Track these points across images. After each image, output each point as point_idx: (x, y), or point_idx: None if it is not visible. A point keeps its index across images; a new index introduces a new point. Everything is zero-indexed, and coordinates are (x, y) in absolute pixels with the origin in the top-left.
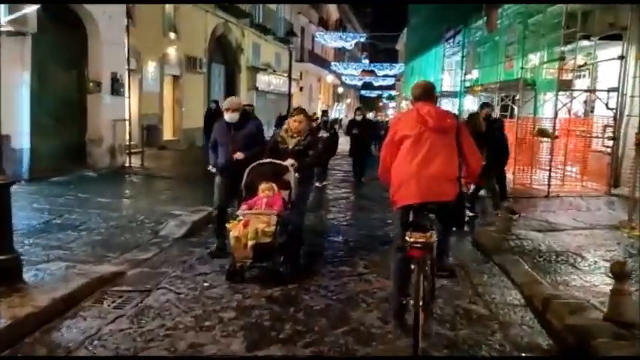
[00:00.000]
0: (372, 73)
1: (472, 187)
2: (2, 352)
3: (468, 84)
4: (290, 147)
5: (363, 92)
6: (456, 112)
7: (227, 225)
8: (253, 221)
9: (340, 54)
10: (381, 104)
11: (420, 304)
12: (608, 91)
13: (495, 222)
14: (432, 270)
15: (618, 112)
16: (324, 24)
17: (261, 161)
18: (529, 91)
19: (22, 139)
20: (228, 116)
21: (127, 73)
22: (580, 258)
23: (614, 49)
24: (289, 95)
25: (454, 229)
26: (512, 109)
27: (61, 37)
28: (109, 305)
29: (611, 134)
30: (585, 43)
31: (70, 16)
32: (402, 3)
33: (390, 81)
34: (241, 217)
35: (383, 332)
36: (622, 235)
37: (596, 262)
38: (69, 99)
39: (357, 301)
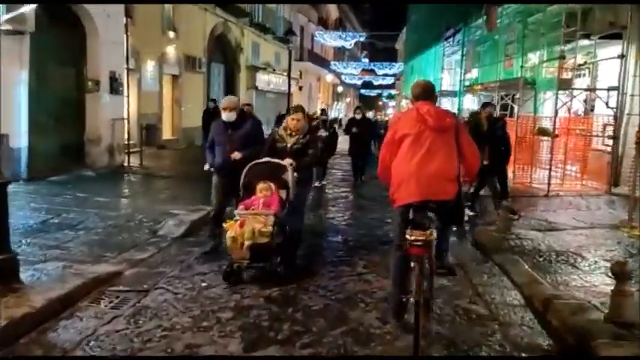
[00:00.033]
0: (371, 72)
1: (473, 186)
2: None
3: (467, 83)
4: (288, 145)
5: (362, 91)
6: (456, 111)
7: (224, 225)
8: (250, 221)
9: (340, 53)
10: (380, 103)
11: (421, 301)
12: (609, 89)
13: (495, 221)
14: (432, 268)
15: (618, 111)
16: (323, 23)
17: (258, 160)
18: (529, 89)
19: (20, 139)
20: (225, 115)
21: (125, 72)
22: (580, 258)
23: (614, 48)
24: (289, 94)
25: (454, 228)
26: (512, 107)
27: (60, 36)
28: (105, 305)
29: (611, 133)
30: (585, 42)
31: (68, 14)
32: (402, 3)
33: (389, 80)
34: (238, 217)
35: (382, 332)
36: (622, 234)
37: (596, 261)
38: (67, 98)
39: (356, 301)
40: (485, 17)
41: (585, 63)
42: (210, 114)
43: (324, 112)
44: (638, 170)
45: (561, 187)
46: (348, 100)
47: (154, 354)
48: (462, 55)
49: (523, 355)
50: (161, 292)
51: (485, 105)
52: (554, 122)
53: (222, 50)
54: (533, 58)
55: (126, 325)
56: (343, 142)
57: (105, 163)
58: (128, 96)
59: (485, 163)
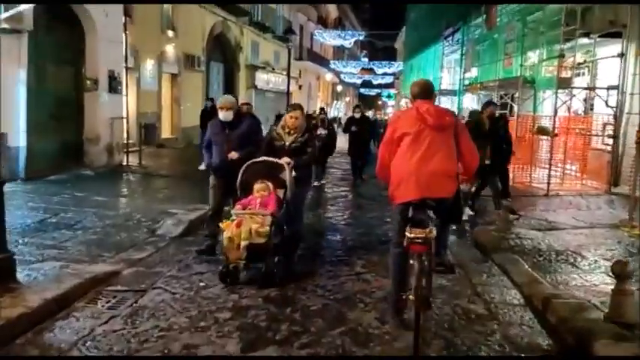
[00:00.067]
0: (371, 71)
1: (475, 186)
2: None
3: (467, 82)
4: (287, 144)
5: (362, 90)
6: (456, 110)
7: (220, 225)
8: (247, 221)
9: (339, 52)
10: (380, 102)
11: (420, 299)
12: (608, 88)
13: (495, 221)
14: (431, 265)
15: (618, 110)
16: (323, 22)
17: (255, 159)
18: (528, 88)
19: (18, 138)
20: (222, 115)
21: (124, 70)
22: (580, 257)
23: (614, 47)
24: (288, 93)
25: (453, 227)
26: (512, 106)
27: (58, 35)
28: (102, 306)
29: (611, 132)
30: (585, 40)
31: (67, 13)
32: (401, 2)
33: (389, 79)
34: (234, 217)
35: (381, 333)
36: (622, 234)
37: (596, 261)
38: (66, 97)
39: (355, 301)
40: (484, 16)
41: (585, 62)
42: (208, 113)
43: (323, 110)
44: (639, 170)
45: (561, 187)
46: (347, 99)
47: (151, 354)
48: (462, 54)
49: (523, 355)
50: (159, 292)
51: (487, 104)
52: (554, 121)
53: (222, 49)
54: (533, 56)
55: (123, 326)
56: (343, 142)
57: (103, 163)
58: (127, 95)
59: (486, 162)
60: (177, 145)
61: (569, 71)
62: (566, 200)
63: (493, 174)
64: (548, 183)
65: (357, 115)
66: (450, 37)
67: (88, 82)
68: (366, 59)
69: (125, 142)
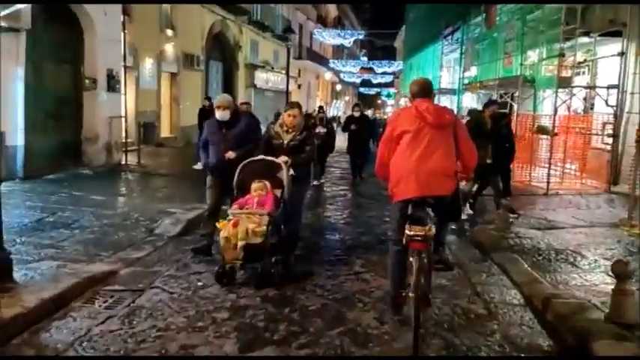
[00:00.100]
0: (370, 70)
1: (476, 186)
2: None
3: (466, 81)
4: (285, 142)
5: (361, 89)
6: (455, 109)
7: (217, 224)
8: (243, 221)
9: (339, 51)
10: (379, 102)
11: (420, 296)
12: (608, 87)
13: (494, 220)
14: (430, 263)
15: (618, 109)
16: (322, 21)
17: (252, 158)
18: (528, 88)
19: (16, 136)
20: (219, 114)
21: (123, 69)
22: (580, 256)
23: (614, 46)
24: (287, 92)
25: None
26: (511, 106)
27: (57, 34)
28: (99, 305)
29: (610, 131)
30: (585, 39)
31: (65, 12)
32: (401, 2)
33: (388, 78)
34: (231, 217)
35: (380, 333)
36: (622, 233)
37: (596, 260)
38: (64, 96)
39: (354, 301)
40: (484, 15)
41: (585, 61)
42: (207, 112)
43: (321, 109)
44: (638, 169)
45: (561, 186)
46: (347, 98)
47: (148, 355)
48: (461, 53)
49: (523, 355)
50: (156, 292)
51: (489, 103)
52: (554, 120)
53: (221, 48)
54: (533, 55)
55: (120, 326)
56: (342, 141)
57: (102, 162)
58: (126, 94)
59: (488, 161)
60: (177, 144)
61: (569, 70)
62: (565, 199)
63: (495, 173)
64: (548, 182)
65: (357, 114)
66: (450, 36)
67: (87, 81)
68: (366, 58)
69: (124, 141)
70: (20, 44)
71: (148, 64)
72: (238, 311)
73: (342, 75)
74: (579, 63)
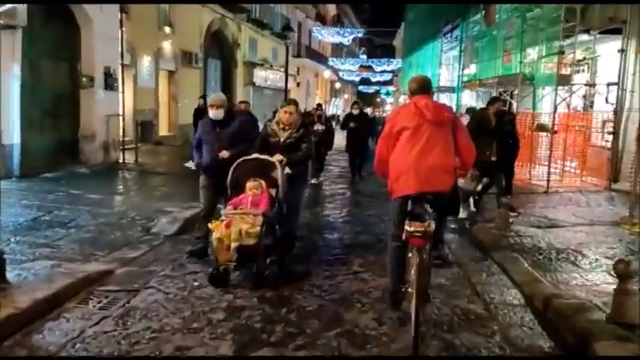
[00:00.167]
0: (369, 68)
1: (482, 184)
2: None
3: (465, 79)
4: (281, 140)
5: (360, 88)
6: (454, 107)
7: (209, 225)
8: (237, 222)
9: (338, 49)
10: (378, 100)
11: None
12: (608, 85)
13: (494, 218)
14: (429, 258)
15: (618, 107)
16: (321, 19)
17: (246, 157)
18: (527, 85)
19: (12, 135)
20: (212, 113)
21: (120, 67)
22: (581, 255)
23: (614, 43)
24: (286, 91)
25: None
26: (511, 104)
27: (53, 31)
28: (94, 306)
29: (610, 129)
30: (584, 37)
31: (62, 9)
32: (401, 2)
33: (387, 76)
34: (224, 218)
35: (378, 334)
36: (623, 231)
37: (597, 259)
38: (61, 94)
39: (352, 302)
40: (483, 12)
41: (584, 58)
42: (202, 111)
43: (320, 106)
44: (639, 166)
45: (561, 184)
46: (346, 96)
47: (141, 356)
48: (460, 51)
49: (523, 356)
50: (151, 292)
51: (493, 100)
52: (553, 118)
53: (219, 46)
54: (532, 53)
55: (114, 327)
56: (340, 139)
57: (99, 160)
58: (123, 92)
59: (492, 159)
60: (175, 142)
61: (568, 68)
62: (565, 197)
63: (499, 170)
64: (548, 180)
65: (356, 112)
66: (449, 34)
67: (84, 78)
68: (365, 56)
69: (121, 139)
70: (16, 41)
71: (146, 61)
72: (234, 312)
73: (341, 73)
74: (579, 61)
